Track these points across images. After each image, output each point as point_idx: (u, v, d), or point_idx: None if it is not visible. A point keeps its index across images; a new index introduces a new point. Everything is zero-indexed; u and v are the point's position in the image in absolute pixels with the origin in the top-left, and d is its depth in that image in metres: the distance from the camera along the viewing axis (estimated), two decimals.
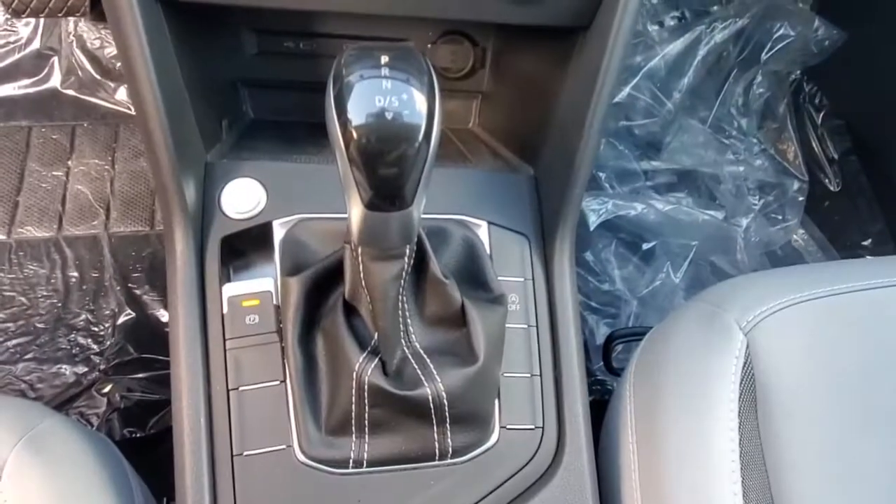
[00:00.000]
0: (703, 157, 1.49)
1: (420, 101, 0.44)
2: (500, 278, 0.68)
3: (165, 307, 1.24)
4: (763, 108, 1.56)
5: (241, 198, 0.67)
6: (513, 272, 0.70)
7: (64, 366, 1.19)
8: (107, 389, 1.18)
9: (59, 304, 1.23)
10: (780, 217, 1.49)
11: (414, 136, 0.44)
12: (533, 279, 0.70)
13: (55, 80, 1.41)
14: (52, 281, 1.24)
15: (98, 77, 1.41)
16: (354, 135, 0.43)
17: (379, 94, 0.43)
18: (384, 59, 0.44)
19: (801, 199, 1.51)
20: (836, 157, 1.58)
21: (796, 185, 1.51)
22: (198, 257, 0.65)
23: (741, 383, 0.65)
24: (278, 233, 0.67)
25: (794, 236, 1.50)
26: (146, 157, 0.63)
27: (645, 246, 1.39)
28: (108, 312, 1.24)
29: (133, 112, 1.42)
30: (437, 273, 0.61)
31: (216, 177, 0.68)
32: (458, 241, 0.68)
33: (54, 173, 1.34)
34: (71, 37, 1.41)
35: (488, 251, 0.69)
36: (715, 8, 1.52)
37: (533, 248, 0.71)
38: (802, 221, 1.50)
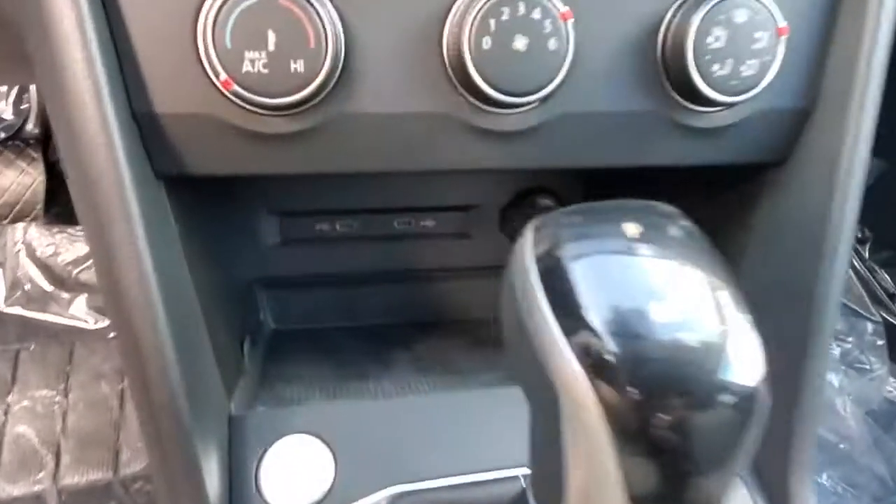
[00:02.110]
0: None
1: (729, 305, 0.22)
2: None
3: None
4: None
5: (294, 471, 0.41)
6: None
7: None
8: None
9: None
10: (866, 366, 1.29)
11: (747, 378, 0.22)
12: None
13: None
14: None
15: (49, 289, 1.17)
16: (618, 376, 0.21)
17: (654, 299, 0.21)
18: (631, 228, 0.23)
19: (880, 342, 1.32)
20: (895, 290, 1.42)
21: (871, 328, 1.33)
22: None
23: None
24: None
25: (888, 387, 1.29)
26: (140, 425, 0.38)
27: None
28: None
29: (89, 326, 1.17)
30: None
31: (249, 439, 0.42)
32: None
33: None
34: (18, 245, 1.19)
35: None
36: None
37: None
38: (890, 369, 1.30)
